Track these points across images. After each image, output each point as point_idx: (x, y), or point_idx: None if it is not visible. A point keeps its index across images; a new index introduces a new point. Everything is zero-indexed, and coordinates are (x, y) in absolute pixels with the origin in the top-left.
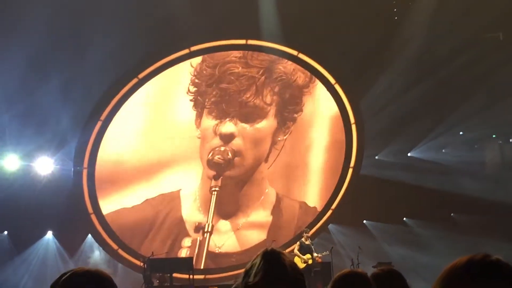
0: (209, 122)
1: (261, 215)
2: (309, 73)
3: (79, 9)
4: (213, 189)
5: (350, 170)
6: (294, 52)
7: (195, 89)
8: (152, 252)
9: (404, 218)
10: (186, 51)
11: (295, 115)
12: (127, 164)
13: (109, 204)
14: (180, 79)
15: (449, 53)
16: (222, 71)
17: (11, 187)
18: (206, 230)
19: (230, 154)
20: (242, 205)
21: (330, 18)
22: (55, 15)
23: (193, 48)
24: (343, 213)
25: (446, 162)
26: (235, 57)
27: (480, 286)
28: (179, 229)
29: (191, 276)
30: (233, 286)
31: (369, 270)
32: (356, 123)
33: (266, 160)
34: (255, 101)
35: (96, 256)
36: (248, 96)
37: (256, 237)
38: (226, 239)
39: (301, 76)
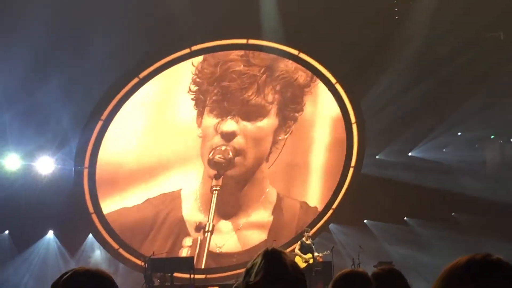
0: (210, 120)
1: (262, 215)
2: (310, 72)
3: (79, 9)
4: (214, 188)
5: (351, 170)
6: (295, 52)
7: (197, 88)
8: (153, 252)
9: (405, 218)
10: (187, 50)
11: (296, 114)
12: (128, 164)
13: (110, 204)
14: (181, 78)
15: (450, 52)
16: (224, 69)
17: (12, 187)
18: (207, 229)
19: (231, 153)
20: (243, 204)
21: (330, 17)
22: (55, 15)
23: (194, 48)
24: (344, 213)
25: (446, 162)
26: (237, 55)
27: (481, 286)
28: (180, 228)
29: (192, 276)
30: (234, 285)
31: (369, 269)
32: (357, 122)
33: (267, 160)
34: (256, 99)
35: (97, 255)
36: (249, 94)
37: (257, 237)
38: (227, 239)
39: (302, 75)
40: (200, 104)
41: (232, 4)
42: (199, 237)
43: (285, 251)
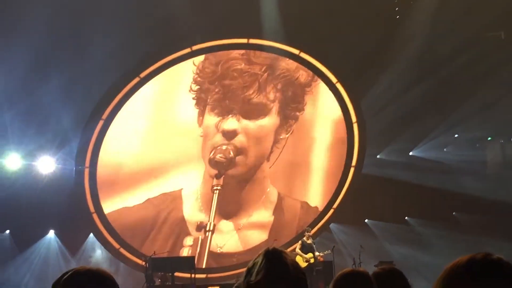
0: (211, 119)
1: (263, 215)
2: (311, 72)
3: (79, 9)
4: (215, 188)
5: (352, 169)
6: (296, 51)
7: (198, 87)
8: (154, 251)
9: (406, 217)
10: (187, 50)
11: (297, 113)
12: (129, 164)
13: (110, 203)
14: (182, 77)
15: (451, 52)
16: (225, 67)
17: (13, 186)
18: (208, 229)
19: (232, 152)
20: (243, 204)
21: (331, 17)
22: (55, 15)
23: (195, 47)
24: (345, 212)
25: (447, 161)
26: (238, 53)
27: (481, 285)
28: (181, 228)
29: (192, 275)
30: (235, 285)
31: (370, 269)
32: (358, 122)
33: (268, 159)
34: (258, 97)
35: (98, 255)
36: (251, 92)
37: (258, 237)
38: (227, 239)
39: (303, 74)
40: (201, 103)
41: (233, 4)
42: (200, 237)
43: (286, 250)
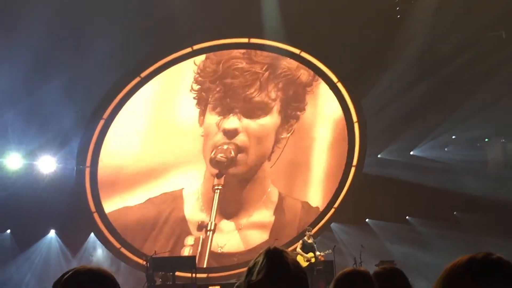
0: (212, 118)
1: (264, 214)
2: (312, 71)
3: (79, 9)
4: (216, 187)
5: (353, 169)
6: (297, 51)
7: (199, 86)
8: (155, 251)
9: (407, 217)
10: (188, 49)
11: (298, 113)
12: (130, 163)
13: (111, 203)
14: (183, 77)
15: (451, 51)
16: (226, 66)
17: (14, 186)
18: (209, 228)
19: (232, 152)
20: (244, 203)
21: (332, 17)
22: (55, 15)
23: (196, 47)
24: (346, 212)
25: (448, 161)
26: (239, 52)
27: (481, 285)
28: (182, 227)
29: (193, 275)
30: (236, 284)
31: (371, 268)
32: (359, 121)
33: (269, 159)
34: (259, 96)
35: (98, 254)
36: (252, 91)
37: (259, 236)
38: (228, 239)
39: (304, 73)
40: (202, 103)
41: (233, 3)
42: (201, 236)
43: (286, 250)
